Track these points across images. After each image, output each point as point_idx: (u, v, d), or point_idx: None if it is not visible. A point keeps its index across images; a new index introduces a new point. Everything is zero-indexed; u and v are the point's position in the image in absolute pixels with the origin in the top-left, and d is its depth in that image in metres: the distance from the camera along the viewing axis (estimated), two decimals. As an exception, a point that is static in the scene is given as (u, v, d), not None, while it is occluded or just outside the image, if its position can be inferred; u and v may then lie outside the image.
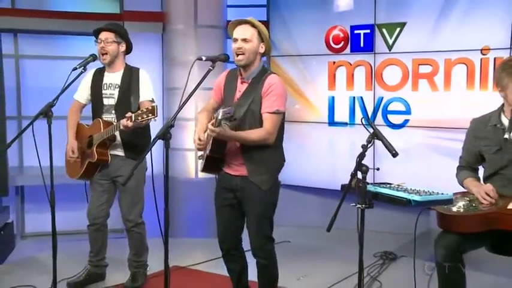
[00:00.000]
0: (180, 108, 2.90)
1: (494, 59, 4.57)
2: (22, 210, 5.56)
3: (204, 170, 3.33)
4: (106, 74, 3.80)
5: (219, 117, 2.91)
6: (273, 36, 5.68)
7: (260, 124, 3.10)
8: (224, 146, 3.17)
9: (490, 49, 4.59)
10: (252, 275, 3.38)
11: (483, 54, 4.63)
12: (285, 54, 5.67)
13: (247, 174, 3.15)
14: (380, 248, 4.71)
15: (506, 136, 2.78)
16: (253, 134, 3.08)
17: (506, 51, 4.48)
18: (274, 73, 3.22)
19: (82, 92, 3.85)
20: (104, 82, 3.77)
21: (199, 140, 3.16)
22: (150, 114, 3.31)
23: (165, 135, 2.78)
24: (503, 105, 3.05)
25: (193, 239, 5.10)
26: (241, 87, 3.19)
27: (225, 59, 3.10)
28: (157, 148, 5.46)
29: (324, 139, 5.55)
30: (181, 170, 5.38)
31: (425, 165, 4.90)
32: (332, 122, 5.47)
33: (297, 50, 5.59)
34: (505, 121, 2.98)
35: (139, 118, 3.33)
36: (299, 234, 5.28)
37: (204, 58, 3.03)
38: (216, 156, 3.21)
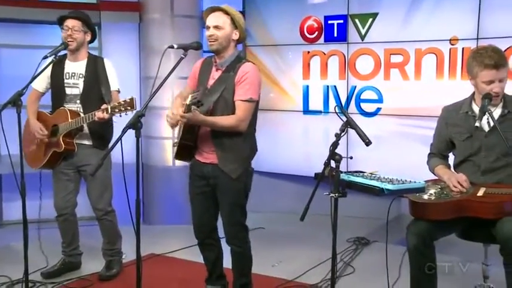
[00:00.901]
0: (151, 97, 2.71)
1: (463, 49, 4.50)
2: (0, 198, 5.32)
3: (177, 157, 3.16)
4: (68, 62, 3.57)
5: (188, 102, 2.74)
6: (248, 26, 5.50)
7: (233, 112, 2.94)
8: (195, 133, 3.01)
9: (458, 39, 4.52)
10: (227, 262, 3.23)
11: (452, 45, 4.56)
12: (260, 44, 5.50)
13: (217, 162, 2.99)
14: (353, 233, 4.60)
15: (477, 124, 2.65)
16: (224, 120, 2.92)
17: (474, 42, 4.41)
18: (250, 61, 3.05)
19: (41, 81, 3.60)
20: (66, 71, 3.55)
21: (172, 113, 2.92)
22: (129, 107, 3.10)
23: (136, 124, 2.59)
24: (474, 93, 2.93)
25: (171, 226, 4.90)
26: (215, 75, 3.02)
27: (198, 47, 2.90)
28: (132, 137, 5.35)
29: (299, 127, 5.42)
30: (159, 158, 5.20)
31: (398, 153, 4.82)
32: (306, 111, 5.34)
33: (272, 40, 5.43)
34: (476, 109, 2.87)
35: (117, 110, 3.13)
36: (274, 221, 5.14)
37: (175, 46, 2.84)
38: (187, 143, 3.04)
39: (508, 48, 4.10)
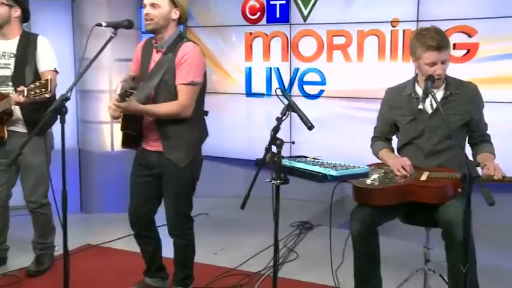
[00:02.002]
0: (77, 80, 2.47)
1: (403, 31, 4.45)
2: None
3: (123, 145, 2.92)
4: None
5: (118, 92, 2.51)
6: (190, 6, 5.20)
7: (176, 97, 2.70)
8: (137, 121, 2.77)
9: (399, 21, 4.46)
10: (166, 251, 3.03)
11: (393, 26, 4.50)
12: (202, 25, 5.27)
13: (163, 150, 2.76)
14: (297, 217, 4.48)
15: (420, 106, 2.54)
16: (164, 107, 2.69)
17: (414, 24, 4.35)
18: (191, 41, 2.80)
19: None
20: None
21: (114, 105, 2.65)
22: (43, 89, 2.77)
23: (60, 109, 2.33)
24: (417, 75, 2.83)
25: (111, 214, 4.61)
26: (155, 57, 2.78)
27: (129, 25, 2.62)
28: (71, 121, 5.00)
29: (242, 110, 5.25)
30: (97, 144, 4.89)
31: (341, 135, 4.74)
32: (249, 93, 5.17)
33: (214, 21, 5.21)
34: (419, 91, 2.76)
35: (32, 93, 2.80)
36: (217, 206, 4.96)
37: (104, 24, 2.56)
38: (130, 132, 2.80)
39: (447, 30, 4.06)
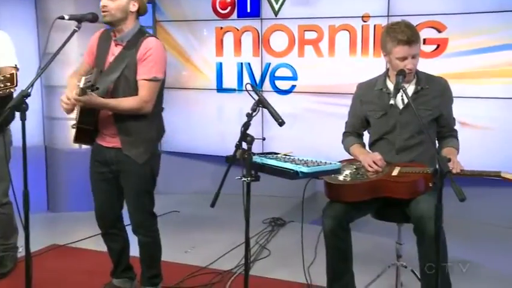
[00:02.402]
0: (39, 75, 2.38)
1: (374, 26, 4.42)
2: None
3: (76, 140, 2.81)
4: None
5: (81, 85, 2.41)
6: (159, 0, 5.15)
7: (136, 92, 2.63)
8: (94, 116, 2.68)
9: (370, 16, 4.44)
10: (135, 251, 2.94)
11: (364, 21, 4.48)
12: (172, 20, 5.15)
13: (121, 146, 2.67)
14: (269, 213, 4.43)
15: (391, 101, 2.51)
16: (125, 102, 2.61)
17: (385, 19, 4.34)
18: (153, 35, 2.74)
19: None
20: None
21: (67, 99, 2.57)
22: (8, 83, 2.64)
23: (20, 106, 2.22)
24: (388, 70, 2.81)
25: (78, 213, 4.46)
26: (114, 50, 2.68)
27: (93, 18, 2.53)
28: (37, 118, 4.85)
29: (213, 106, 5.16)
30: (64, 141, 4.72)
31: (313, 131, 4.71)
32: (220, 89, 5.09)
33: (183, 15, 5.10)
34: (390, 86, 2.74)
35: None
36: (188, 203, 4.88)
37: (66, 17, 2.46)
38: (86, 127, 2.70)
39: (417, 25, 4.05)
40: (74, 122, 2.77)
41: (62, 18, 2.45)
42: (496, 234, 4.11)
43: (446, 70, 3.97)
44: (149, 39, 2.65)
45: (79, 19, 2.48)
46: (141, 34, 2.67)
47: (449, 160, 2.25)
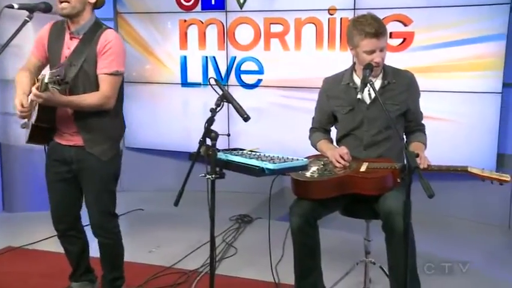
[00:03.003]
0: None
1: (341, 19, 4.39)
2: None
3: (30, 141, 2.68)
4: None
5: (46, 80, 2.28)
6: (120, -9, 5.02)
7: (96, 87, 2.53)
8: (53, 113, 2.56)
9: (336, 9, 4.40)
10: (95, 251, 2.84)
11: (330, 14, 4.43)
12: (133, 12, 5.01)
13: (83, 144, 2.57)
14: (235, 210, 4.37)
15: (359, 96, 2.48)
16: (88, 99, 2.50)
17: (351, 12, 4.31)
18: (111, 28, 2.63)
19: None
20: None
21: (22, 106, 2.47)
22: None
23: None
24: (354, 64, 2.77)
25: (36, 213, 4.29)
26: (70, 44, 2.56)
27: (46, 8, 2.41)
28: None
29: (178, 100, 5.06)
30: (19, 137, 4.52)
31: (280, 126, 4.66)
32: (185, 83, 4.98)
33: (145, 7, 4.97)
34: (357, 80, 2.71)
35: None
36: (153, 201, 4.76)
37: (16, 6, 2.34)
38: (43, 125, 2.57)
39: (383, 19, 4.03)
40: (25, 121, 2.64)
41: (11, 7, 2.32)
42: (463, 228, 4.16)
43: (413, 64, 3.97)
44: (108, 31, 2.57)
45: (31, 9, 2.35)
46: (98, 26, 2.57)
47: (417, 155, 2.23)
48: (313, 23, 4.48)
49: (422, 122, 2.83)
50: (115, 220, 2.76)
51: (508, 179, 2.36)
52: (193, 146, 2.38)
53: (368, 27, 2.53)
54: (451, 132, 4.12)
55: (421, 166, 2.41)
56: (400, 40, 4.21)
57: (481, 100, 4.06)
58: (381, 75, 2.71)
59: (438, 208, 4.09)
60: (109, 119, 2.60)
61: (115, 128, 2.67)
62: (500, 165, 4.06)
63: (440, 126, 4.06)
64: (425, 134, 2.80)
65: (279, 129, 4.64)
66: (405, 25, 4.19)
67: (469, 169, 2.41)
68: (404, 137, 2.78)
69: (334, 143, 2.86)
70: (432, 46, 4.13)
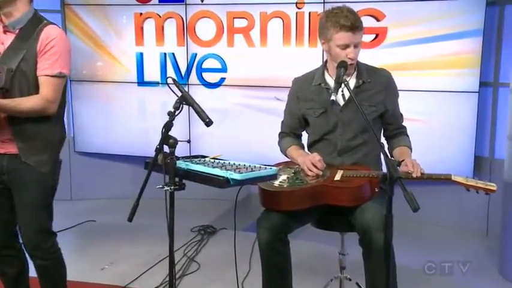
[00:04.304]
0: None
1: (309, 13, 4.28)
2: None
3: None
4: None
5: None
6: (68, -19, 4.76)
7: (35, 90, 2.33)
8: None
9: (304, 3, 4.29)
10: (33, 271, 2.60)
11: (298, 8, 4.32)
12: (83, 3, 4.78)
13: (17, 152, 2.36)
14: (198, 220, 4.20)
15: (332, 98, 2.32)
16: (26, 103, 2.31)
17: (320, 6, 4.20)
18: (53, 23, 2.42)
19: None
20: None
21: None
22: None
23: None
24: (326, 62, 2.63)
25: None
26: (4, 38, 2.35)
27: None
28: None
29: (134, 101, 4.85)
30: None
31: (246, 128, 4.52)
32: (142, 82, 4.78)
33: (97, -1, 4.74)
34: (330, 80, 2.57)
35: None
36: (106, 210, 4.55)
37: None
38: None
39: (354, 14, 3.95)
40: None
41: None
42: (439, 234, 4.10)
43: (385, 61, 3.88)
44: (50, 27, 2.36)
45: None
46: (38, 21, 2.37)
47: (399, 164, 2.10)
48: (280, 18, 4.35)
49: (403, 123, 2.72)
50: (53, 238, 2.52)
51: (495, 188, 2.26)
52: (150, 150, 2.23)
53: (344, 20, 2.40)
54: (424, 134, 4.02)
55: (414, 175, 2.29)
56: (373, 36, 4.11)
57: (457, 100, 4.00)
58: (355, 74, 2.59)
59: (414, 214, 3.97)
60: (49, 126, 2.40)
61: (55, 135, 2.48)
62: (477, 168, 4.02)
63: (413, 127, 3.89)
64: (408, 137, 2.69)
65: (244, 132, 4.51)
66: (378, 20, 4.10)
67: (452, 178, 2.31)
68: (385, 142, 2.65)
69: (306, 149, 2.72)
70: (406, 42, 4.06)
